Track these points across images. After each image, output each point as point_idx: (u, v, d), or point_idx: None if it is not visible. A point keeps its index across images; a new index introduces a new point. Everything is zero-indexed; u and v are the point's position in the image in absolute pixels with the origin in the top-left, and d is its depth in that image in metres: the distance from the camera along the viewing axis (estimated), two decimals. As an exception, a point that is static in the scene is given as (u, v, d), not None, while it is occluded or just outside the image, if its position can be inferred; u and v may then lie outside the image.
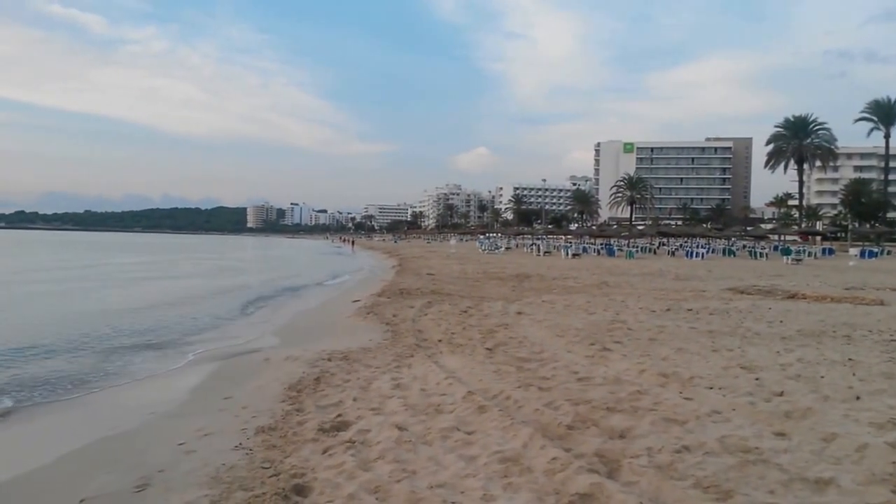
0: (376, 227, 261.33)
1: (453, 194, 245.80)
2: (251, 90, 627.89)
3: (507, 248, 67.92)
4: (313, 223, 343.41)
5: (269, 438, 6.17)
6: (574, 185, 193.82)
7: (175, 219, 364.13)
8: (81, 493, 5.15)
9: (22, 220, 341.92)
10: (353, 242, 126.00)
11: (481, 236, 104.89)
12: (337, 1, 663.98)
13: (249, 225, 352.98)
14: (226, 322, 16.83)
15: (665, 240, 75.88)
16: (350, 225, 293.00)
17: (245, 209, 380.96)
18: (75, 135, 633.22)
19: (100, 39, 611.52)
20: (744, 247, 65.67)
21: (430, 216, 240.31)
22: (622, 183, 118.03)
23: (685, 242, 72.62)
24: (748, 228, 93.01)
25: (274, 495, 4.73)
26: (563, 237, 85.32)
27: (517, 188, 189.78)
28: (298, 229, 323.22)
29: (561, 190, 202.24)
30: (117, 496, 5.10)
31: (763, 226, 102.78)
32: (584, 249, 57.17)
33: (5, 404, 8.37)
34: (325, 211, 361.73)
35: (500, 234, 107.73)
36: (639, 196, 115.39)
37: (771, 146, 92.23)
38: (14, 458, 6.48)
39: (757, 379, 7.94)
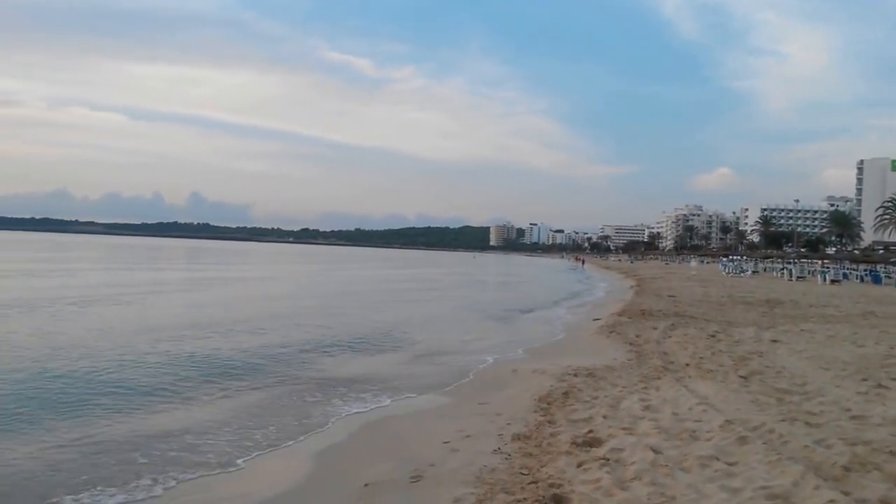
0: (612, 248, 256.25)
1: (693, 215, 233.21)
2: (495, 118, 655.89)
3: (753, 272, 63.21)
4: (550, 242, 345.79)
5: (525, 446, 6.44)
6: (831, 205, 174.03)
7: (428, 237, 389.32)
8: (365, 478, 5.82)
9: (306, 235, 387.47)
10: (582, 261, 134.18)
11: (724, 259, 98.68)
12: (575, 31, 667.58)
13: (492, 243, 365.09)
14: (476, 333, 17.74)
15: (947, 267, 65.40)
16: (586, 245, 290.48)
17: (488, 228, 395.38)
18: (348, 162, 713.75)
19: (369, 80, 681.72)
20: None
21: (668, 237, 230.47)
22: (891, 203, 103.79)
23: (973, 270, 61.98)
24: None
25: (535, 502, 4.92)
26: (818, 261, 77.13)
27: (765, 209, 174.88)
28: (536, 248, 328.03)
29: (815, 211, 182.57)
30: (396, 484, 5.69)
31: None
32: (845, 275, 51.46)
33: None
34: (562, 231, 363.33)
35: (744, 257, 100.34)
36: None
37: None
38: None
39: None
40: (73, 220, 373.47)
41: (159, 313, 20.05)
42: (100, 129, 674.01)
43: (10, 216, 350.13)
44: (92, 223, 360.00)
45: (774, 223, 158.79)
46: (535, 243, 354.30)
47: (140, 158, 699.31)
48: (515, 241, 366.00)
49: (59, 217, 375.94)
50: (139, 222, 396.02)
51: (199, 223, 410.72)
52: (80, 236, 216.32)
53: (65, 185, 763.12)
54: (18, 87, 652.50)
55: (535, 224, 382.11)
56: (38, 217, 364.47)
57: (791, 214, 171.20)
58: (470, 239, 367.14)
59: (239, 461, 6.71)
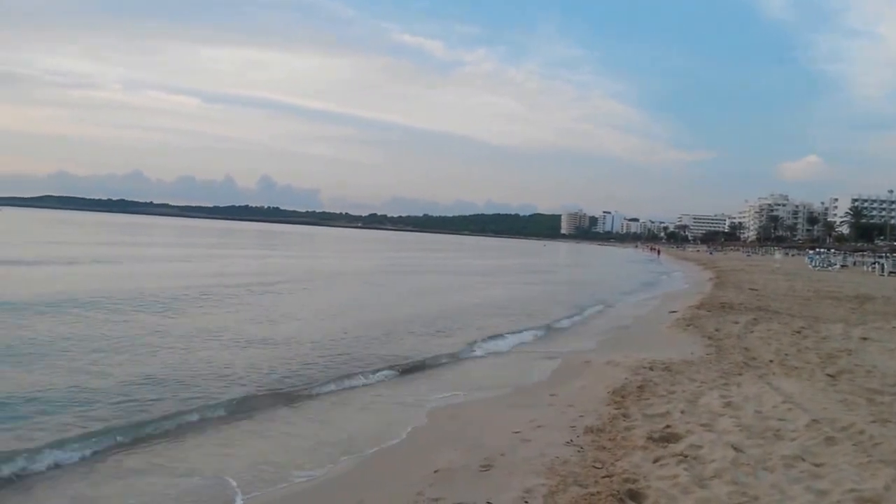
0: (690, 238, 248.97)
1: (778, 205, 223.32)
2: (568, 103, 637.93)
3: (842, 266, 60.28)
4: (624, 231, 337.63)
5: (598, 439, 6.30)
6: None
7: (497, 224, 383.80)
8: (435, 464, 5.81)
9: (374, 221, 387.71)
10: (658, 251, 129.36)
11: (811, 251, 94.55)
12: (655, 10, 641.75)
13: (563, 231, 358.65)
14: (545, 324, 17.54)
15: None
16: (662, 234, 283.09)
17: (559, 216, 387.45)
18: (416, 147, 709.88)
19: (439, 63, 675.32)
20: None
21: (751, 228, 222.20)
22: None
23: None
24: None
25: (609, 496, 4.79)
26: (914, 256, 72.85)
27: (856, 200, 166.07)
28: (609, 237, 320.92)
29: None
30: (466, 471, 5.65)
31: None
32: (943, 271, 48.27)
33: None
34: (636, 220, 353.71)
35: (833, 250, 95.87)
36: None
37: None
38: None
39: None
40: (148, 202, 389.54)
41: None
42: (174, 113, 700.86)
43: (88, 197, 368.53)
44: (166, 205, 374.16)
45: (866, 215, 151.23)
46: (609, 232, 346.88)
47: (212, 142, 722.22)
48: (588, 230, 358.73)
49: (135, 199, 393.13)
50: (211, 205, 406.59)
51: (269, 207, 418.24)
52: (157, 218, 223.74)
53: (140, 168, 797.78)
54: (96, 70, 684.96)
55: (609, 212, 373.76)
56: (114, 199, 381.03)
57: (884, 206, 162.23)
58: (540, 227, 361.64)
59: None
